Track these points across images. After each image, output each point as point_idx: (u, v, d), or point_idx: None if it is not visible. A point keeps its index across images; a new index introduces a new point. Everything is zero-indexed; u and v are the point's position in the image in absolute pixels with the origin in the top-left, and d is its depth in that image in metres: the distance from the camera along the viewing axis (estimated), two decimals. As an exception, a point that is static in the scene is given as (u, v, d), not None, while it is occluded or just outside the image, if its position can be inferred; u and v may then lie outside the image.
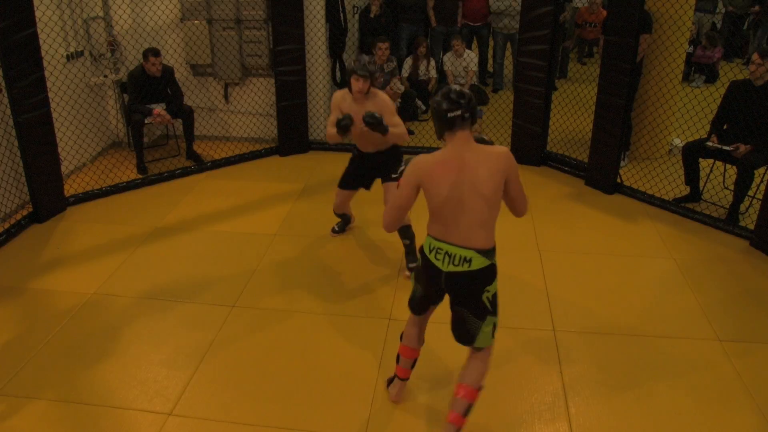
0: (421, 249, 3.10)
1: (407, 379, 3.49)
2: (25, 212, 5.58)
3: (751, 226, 5.19)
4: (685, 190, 5.88)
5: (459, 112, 2.89)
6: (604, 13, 9.48)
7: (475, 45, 9.52)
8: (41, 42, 5.36)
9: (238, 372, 3.72)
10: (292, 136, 7.10)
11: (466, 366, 3.14)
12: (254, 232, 5.37)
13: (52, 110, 5.52)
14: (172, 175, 6.51)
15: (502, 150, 2.93)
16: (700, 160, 5.72)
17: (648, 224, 5.48)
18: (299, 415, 3.38)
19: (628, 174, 6.24)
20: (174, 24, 7.01)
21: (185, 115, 6.69)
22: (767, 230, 4.95)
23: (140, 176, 6.46)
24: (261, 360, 3.82)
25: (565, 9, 9.26)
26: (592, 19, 9.76)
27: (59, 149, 5.71)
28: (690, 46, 9.54)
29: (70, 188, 6.01)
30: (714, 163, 5.91)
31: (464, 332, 3.09)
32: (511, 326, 4.06)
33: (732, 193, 5.54)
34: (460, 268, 2.92)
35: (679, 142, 6.69)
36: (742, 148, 5.31)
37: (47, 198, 5.56)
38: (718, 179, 6.08)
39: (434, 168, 2.92)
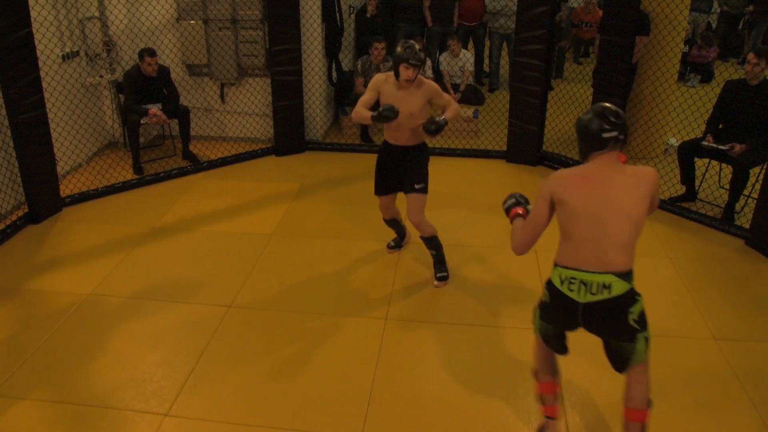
0: (548, 283, 2.86)
1: (557, 417, 3.17)
2: (20, 213, 5.56)
3: (747, 225, 5.20)
4: (681, 190, 5.89)
5: (615, 134, 2.69)
6: (600, 12, 9.50)
7: (471, 45, 9.52)
8: (37, 42, 5.35)
9: (235, 372, 3.72)
10: (289, 136, 7.09)
11: (628, 387, 2.89)
12: (251, 232, 5.37)
13: (47, 110, 5.51)
14: (169, 176, 6.51)
15: (650, 172, 2.73)
16: (696, 159, 5.73)
17: (644, 224, 5.48)
18: (296, 416, 3.38)
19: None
20: (170, 24, 7.00)
21: (181, 115, 6.69)
22: (763, 229, 4.97)
23: (136, 176, 6.45)
24: (258, 361, 3.82)
25: (561, 9, 9.27)
26: (588, 18, 9.78)
27: (55, 149, 5.69)
28: (686, 45, 9.56)
29: (66, 189, 6.00)
30: (710, 163, 5.92)
31: (618, 359, 2.86)
32: (507, 326, 4.06)
33: (727, 192, 5.56)
34: (599, 297, 2.69)
35: (674, 142, 6.70)
36: (738, 147, 5.33)
37: (43, 198, 5.55)
38: (713, 178, 6.10)
39: (571, 180, 2.73)
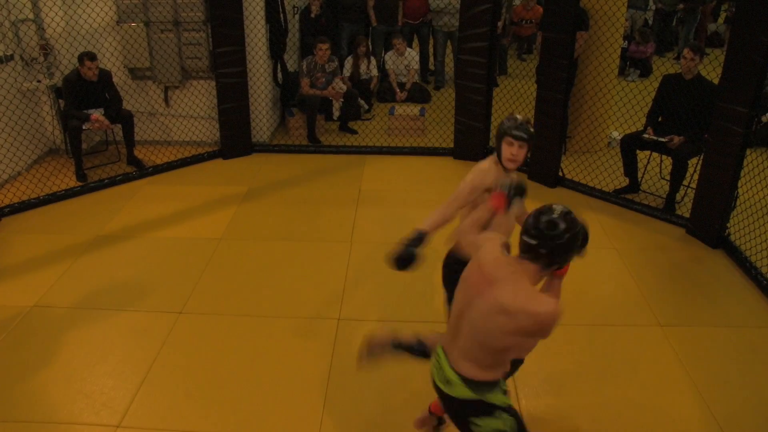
0: None
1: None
2: (-43, 224, 5.38)
3: (687, 215, 5.37)
4: (624, 182, 6.04)
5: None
6: (540, 9, 9.68)
7: (416, 43, 9.58)
8: (-31, 47, 5.18)
9: (188, 379, 3.66)
10: (235, 138, 7.02)
11: None
12: (199, 236, 5.29)
13: (-18, 118, 5.33)
14: (113, 182, 6.36)
15: (541, 312, 2.25)
16: (638, 151, 5.89)
17: (590, 216, 5.61)
18: (251, 421, 3.36)
19: (570, 167, 6.37)
20: (110, 27, 6.84)
21: (124, 119, 6.55)
22: (702, 218, 5.13)
23: (80, 184, 6.28)
24: (211, 366, 3.77)
25: (501, 14, 9.39)
26: (528, 15, 9.95)
27: (-8, 158, 5.52)
28: (624, 41, 9.81)
29: (5, 198, 5.82)
30: (651, 155, 6.09)
31: None
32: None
33: (668, 183, 5.73)
34: (442, 387, 2.48)
35: (617, 135, 6.87)
36: (676, 139, 5.49)
37: (-19, 209, 5.37)
38: (655, 170, 6.27)
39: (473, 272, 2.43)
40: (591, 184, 6.07)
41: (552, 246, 2.24)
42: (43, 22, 6.57)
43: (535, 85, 6.16)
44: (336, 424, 3.34)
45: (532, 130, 3.10)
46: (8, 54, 6.31)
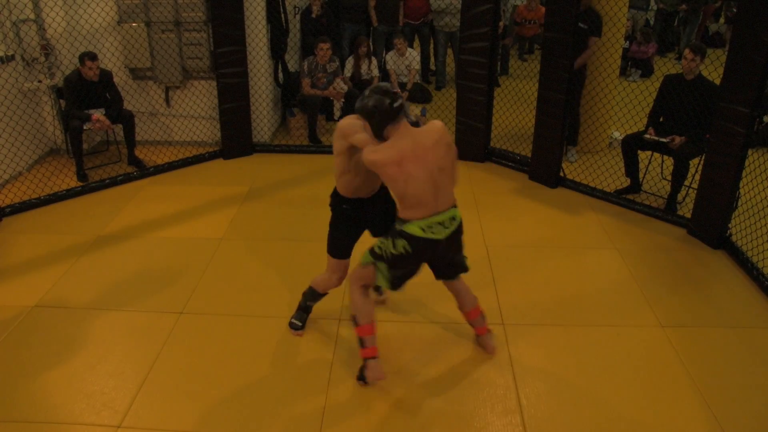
0: (409, 238, 3.30)
1: (378, 356, 3.55)
2: (-42, 224, 5.38)
3: (688, 215, 5.36)
4: (626, 182, 6.03)
5: (401, 101, 3.17)
6: (543, 10, 9.66)
7: (416, 43, 9.58)
8: (-30, 47, 5.18)
9: (189, 380, 3.66)
10: (236, 138, 7.02)
11: (461, 297, 3.74)
12: (200, 236, 5.29)
13: (-16, 118, 5.33)
14: (114, 182, 6.36)
15: (439, 126, 3.30)
16: (639, 152, 5.88)
17: (591, 216, 5.61)
18: (252, 421, 3.35)
19: (571, 167, 6.37)
20: (111, 27, 6.84)
21: (125, 120, 6.55)
22: (703, 218, 5.13)
23: (80, 184, 6.29)
24: (212, 366, 3.77)
25: (501, 16, 9.39)
26: (531, 16, 9.94)
27: (-7, 158, 5.52)
28: (626, 41, 9.81)
29: (6, 198, 5.82)
30: (652, 155, 6.09)
31: (454, 270, 3.62)
32: (462, 321, 4.10)
33: (669, 183, 5.72)
34: (452, 227, 3.35)
35: (618, 135, 6.86)
36: (677, 139, 5.49)
37: (-18, 209, 5.37)
38: (656, 170, 6.26)
39: (395, 164, 3.17)
40: (592, 185, 6.07)
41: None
42: (44, 22, 6.57)
43: (537, 86, 6.15)
44: (337, 423, 3.33)
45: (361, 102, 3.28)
46: (9, 54, 6.31)
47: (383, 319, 4.17)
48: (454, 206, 3.38)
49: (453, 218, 3.35)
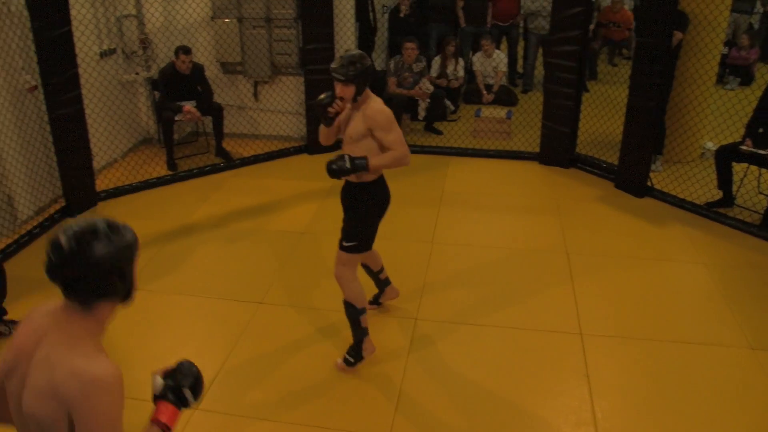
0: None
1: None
2: (58, 206, 5.66)
3: (786, 232, 5.09)
4: (717, 195, 5.77)
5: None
6: (628, 13, 9.39)
7: (504, 45, 9.46)
8: (75, 40, 5.43)
9: (264, 368, 3.74)
10: (321, 134, 7.10)
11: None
12: (282, 229, 5.39)
13: (85, 106, 5.59)
14: (202, 172, 6.57)
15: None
16: (734, 164, 5.62)
17: (678, 228, 5.40)
18: (324, 412, 3.39)
19: (659, 177, 6.15)
20: (205, 22, 7.07)
21: (215, 112, 6.75)
22: (802, 236, 4.86)
23: (170, 172, 6.53)
24: (287, 357, 3.84)
25: (593, 16, 9.14)
26: (616, 18, 9.63)
27: (91, 145, 5.78)
28: (725, 47, 9.37)
29: (102, 183, 6.10)
30: (748, 168, 5.80)
31: None
32: (537, 328, 4.03)
33: (766, 198, 5.44)
34: None
35: (711, 146, 6.57)
36: (777, 152, 5.22)
37: (79, 193, 5.64)
38: (752, 184, 5.96)
39: None
40: (681, 196, 5.84)
41: None
42: (144, 17, 6.85)
43: (626, 91, 5.97)
44: (408, 420, 3.33)
45: (352, 68, 3.35)
46: (111, 48, 6.61)
47: (457, 321, 4.16)
48: None
49: None
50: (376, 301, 4.27)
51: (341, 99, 3.44)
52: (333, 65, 3.39)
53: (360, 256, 3.66)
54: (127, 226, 1.78)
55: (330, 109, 3.52)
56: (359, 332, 3.63)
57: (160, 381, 2.05)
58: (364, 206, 3.57)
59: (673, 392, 3.53)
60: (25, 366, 1.71)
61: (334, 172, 3.42)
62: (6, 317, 4.11)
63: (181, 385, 2.00)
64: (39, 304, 1.88)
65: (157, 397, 1.99)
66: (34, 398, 1.64)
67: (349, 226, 3.59)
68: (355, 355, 3.66)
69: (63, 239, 1.67)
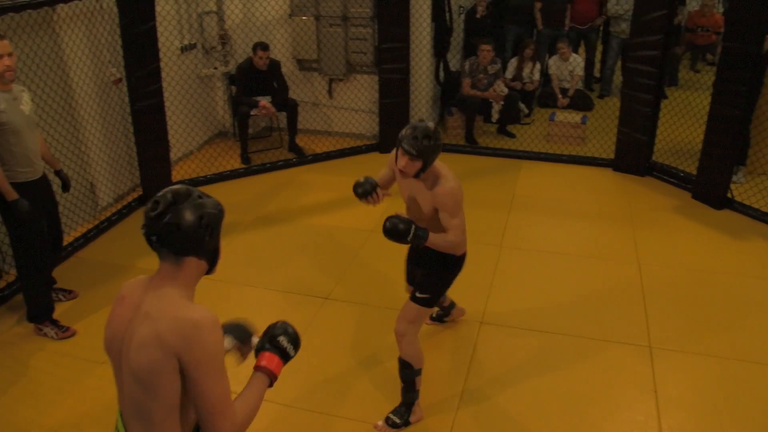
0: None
1: None
2: (135, 195, 5.86)
3: None
4: (804, 210, 5.51)
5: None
6: (719, 17, 9.02)
7: (582, 49, 9.27)
8: (159, 35, 5.62)
9: (326, 363, 3.78)
10: (393, 133, 7.00)
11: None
12: (351, 227, 5.44)
13: (164, 99, 5.78)
14: (274, 167, 6.69)
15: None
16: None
17: (759, 243, 5.18)
18: (385, 411, 3.40)
19: (741, 189, 5.90)
20: (283, 19, 7.19)
21: (289, 108, 6.86)
22: None
23: (243, 166, 6.67)
24: (350, 353, 3.87)
25: (678, 13, 8.84)
26: (704, 22, 9.28)
27: (169, 136, 5.97)
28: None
29: (178, 174, 6.28)
30: (839, 183, 5.52)
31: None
32: (605, 338, 3.94)
33: None
34: None
35: (800, 158, 6.27)
36: None
37: (156, 182, 5.81)
38: (842, 200, 5.67)
39: None
40: (764, 210, 5.59)
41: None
42: (224, 14, 7.02)
43: (709, 99, 5.75)
44: (468, 423, 3.32)
45: (426, 143, 2.95)
46: (192, 43, 6.80)
47: (524, 327, 4.10)
48: None
49: None
50: (440, 320, 4.19)
51: (401, 172, 3.13)
52: (403, 134, 3.01)
53: (430, 311, 3.38)
54: (214, 198, 1.95)
55: (364, 201, 3.35)
56: (411, 395, 3.34)
57: (255, 339, 2.35)
58: (443, 267, 3.35)
59: (744, 414, 3.39)
60: (124, 332, 1.87)
61: (390, 233, 3.11)
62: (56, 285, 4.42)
63: (276, 335, 2.23)
64: (122, 283, 2.00)
65: (258, 350, 2.22)
66: (137, 351, 1.79)
67: (426, 282, 3.29)
68: (402, 417, 3.33)
69: (160, 196, 1.85)
